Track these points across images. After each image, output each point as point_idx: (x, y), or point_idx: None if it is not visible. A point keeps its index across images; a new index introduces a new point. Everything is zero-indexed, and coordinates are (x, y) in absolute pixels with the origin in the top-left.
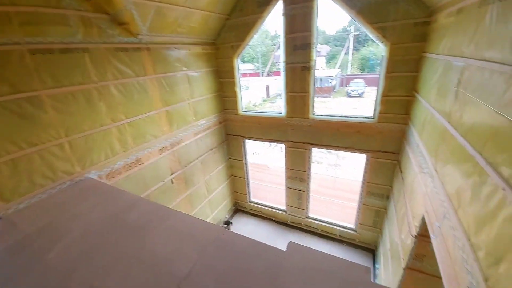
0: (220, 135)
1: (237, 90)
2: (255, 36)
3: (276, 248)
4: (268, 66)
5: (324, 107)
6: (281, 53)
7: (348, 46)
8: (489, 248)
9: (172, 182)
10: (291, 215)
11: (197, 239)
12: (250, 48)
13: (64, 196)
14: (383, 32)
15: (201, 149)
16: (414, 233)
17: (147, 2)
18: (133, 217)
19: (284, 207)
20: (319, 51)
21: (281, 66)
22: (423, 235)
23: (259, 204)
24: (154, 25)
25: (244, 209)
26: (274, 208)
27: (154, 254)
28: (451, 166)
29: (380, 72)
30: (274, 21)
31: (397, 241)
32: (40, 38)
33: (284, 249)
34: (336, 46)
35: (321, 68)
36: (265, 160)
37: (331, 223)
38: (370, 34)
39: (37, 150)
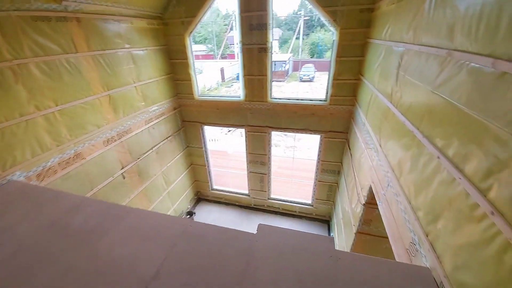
0: (175, 122)
1: (191, 72)
2: (208, 13)
3: (247, 232)
4: (222, 47)
5: (279, 92)
6: (237, 33)
7: (299, 31)
8: (427, 208)
9: (124, 177)
10: (254, 198)
11: (162, 236)
12: (201, 27)
13: None
14: (333, 16)
15: (155, 138)
16: (363, 201)
17: None
18: (78, 221)
19: (247, 191)
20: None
21: (238, 47)
22: (370, 203)
23: (221, 191)
24: None
25: (207, 198)
26: (237, 193)
27: (112, 259)
28: (393, 141)
29: (331, 56)
30: None
31: (348, 210)
32: None
33: (254, 232)
34: (288, 30)
35: (275, 52)
36: (224, 147)
37: (291, 201)
38: (322, 18)
39: None
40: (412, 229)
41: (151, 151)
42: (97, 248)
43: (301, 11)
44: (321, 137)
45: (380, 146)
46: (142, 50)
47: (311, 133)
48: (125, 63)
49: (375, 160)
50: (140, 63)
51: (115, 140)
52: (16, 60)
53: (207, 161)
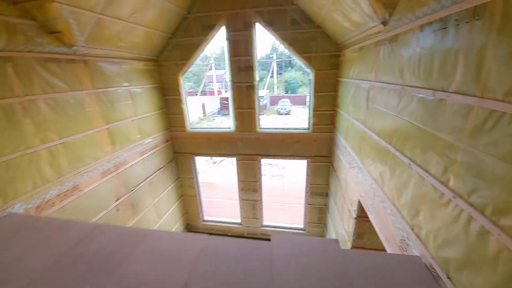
0: (167, 153)
1: (184, 107)
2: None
3: (263, 241)
4: (202, 85)
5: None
6: (227, 73)
7: (273, 70)
8: (409, 206)
9: (118, 210)
10: (247, 226)
11: (183, 255)
12: None
13: None
14: (309, 60)
15: (149, 170)
16: (354, 215)
17: (87, 13)
18: (94, 248)
19: (239, 220)
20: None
21: (228, 85)
22: (360, 216)
23: (212, 221)
24: (93, 36)
25: (198, 230)
26: (229, 222)
27: (139, 283)
28: (372, 157)
29: (309, 91)
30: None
31: (342, 232)
32: None
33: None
34: (262, 70)
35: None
36: (212, 178)
37: (284, 227)
38: (300, 61)
39: None
40: (400, 227)
41: (144, 182)
42: (120, 273)
43: (273, 54)
44: (307, 162)
45: (362, 163)
46: (139, 88)
47: (298, 159)
48: (124, 99)
49: (359, 176)
50: (137, 99)
51: (112, 172)
52: (27, 97)
53: (198, 191)
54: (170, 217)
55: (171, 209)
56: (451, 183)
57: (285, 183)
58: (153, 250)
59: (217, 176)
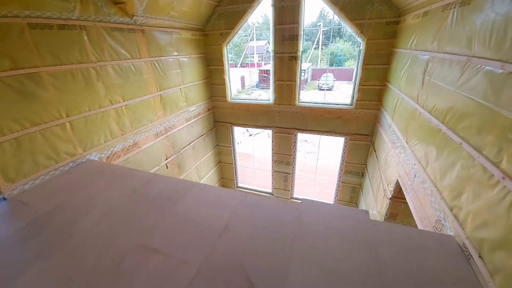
0: (209, 122)
1: (226, 77)
2: (243, 26)
3: (294, 203)
4: (242, 57)
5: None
6: (270, 43)
7: (318, 41)
8: (452, 187)
9: (167, 167)
10: (277, 196)
11: (225, 204)
12: None
13: (70, 177)
14: (360, 28)
15: (193, 135)
16: (389, 196)
17: None
18: (154, 191)
19: (270, 190)
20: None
21: (270, 55)
22: (396, 197)
23: (246, 189)
24: (150, 6)
25: None
26: (261, 191)
27: (190, 217)
28: (420, 137)
29: (357, 64)
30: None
31: (374, 212)
32: (39, 12)
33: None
34: (306, 40)
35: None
36: (247, 150)
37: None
38: (350, 29)
39: (39, 130)
40: (438, 208)
41: (188, 146)
42: (176, 209)
43: (320, 22)
44: (345, 139)
45: (407, 143)
46: (186, 58)
47: (336, 135)
48: (174, 68)
49: (401, 156)
50: (184, 69)
51: (163, 134)
52: (99, 62)
53: (234, 159)
54: (208, 180)
55: (210, 173)
56: (503, 164)
57: (318, 161)
58: (201, 197)
59: (252, 148)
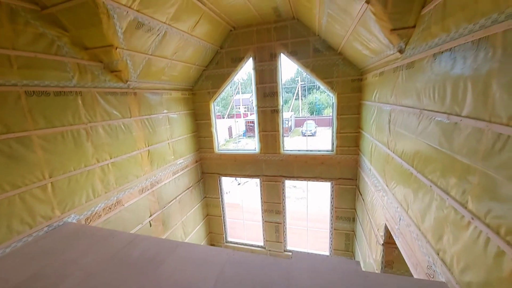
0: (196, 173)
1: (213, 130)
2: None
3: (283, 258)
4: (229, 109)
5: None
6: (253, 98)
7: (297, 93)
8: (433, 229)
9: (150, 225)
10: (269, 250)
11: (211, 263)
12: None
13: (46, 242)
14: (331, 85)
15: (179, 188)
16: (381, 241)
17: (141, 55)
18: (136, 253)
19: (262, 243)
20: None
21: (254, 109)
22: (388, 243)
23: (236, 243)
24: (144, 72)
25: None
26: (252, 245)
27: (174, 280)
28: (396, 180)
29: (332, 114)
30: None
31: (370, 261)
32: (38, 81)
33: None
34: (287, 93)
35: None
36: (236, 199)
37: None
38: (322, 86)
39: (19, 192)
40: (426, 252)
41: (175, 200)
42: (160, 272)
43: (298, 77)
44: (331, 184)
45: (387, 186)
46: (175, 114)
47: (322, 181)
48: (163, 124)
49: (385, 199)
50: (173, 124)
51: (148, 189)
52: (90, 123)
53: (223, 211)
54: (195, 236)
55: (196, 228)
56: (470, 205)
57: (309, 207)
58: (185, 257)
59: (241, 197)
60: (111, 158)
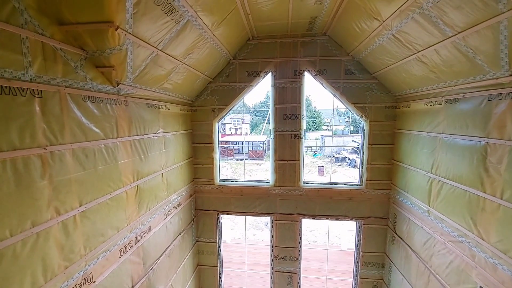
0: (189, 212)
1: (215, 156)
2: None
3: None
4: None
5: (260, 169)
6: (270, 120)
7: (269, 117)
8: None
9: None
10: None
11: None
12: None
13: None
14: (362, 110)
15: (170, 236)
16: None
17: (148, 47)
18: None
19: None
20: (243, 119)
21: (270, 133)
22: None
23: None
24: (143, 75)
25: None
26: None
27: None
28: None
29: (362, 143)
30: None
31: None
32: None
33: None
34: (256, 116)
35: (246, 134)
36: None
37: None
38: (352, 111)
39: None
40: None
41: (164, 254)
42: None
43: (269, 103)
44: (358, 223)
45: (483, 239)
46: (172, 135)
47: (347, 220)
48: (158, 147)
49: (477, 255)
50: (169, 148)
51: (132, 246)
52: (51, 146)
53: (219, 259)
54: None
55: (186, 286)
56: None
57: (329, 251)
58: None
59: (245, 238)
60: (80, 206)
